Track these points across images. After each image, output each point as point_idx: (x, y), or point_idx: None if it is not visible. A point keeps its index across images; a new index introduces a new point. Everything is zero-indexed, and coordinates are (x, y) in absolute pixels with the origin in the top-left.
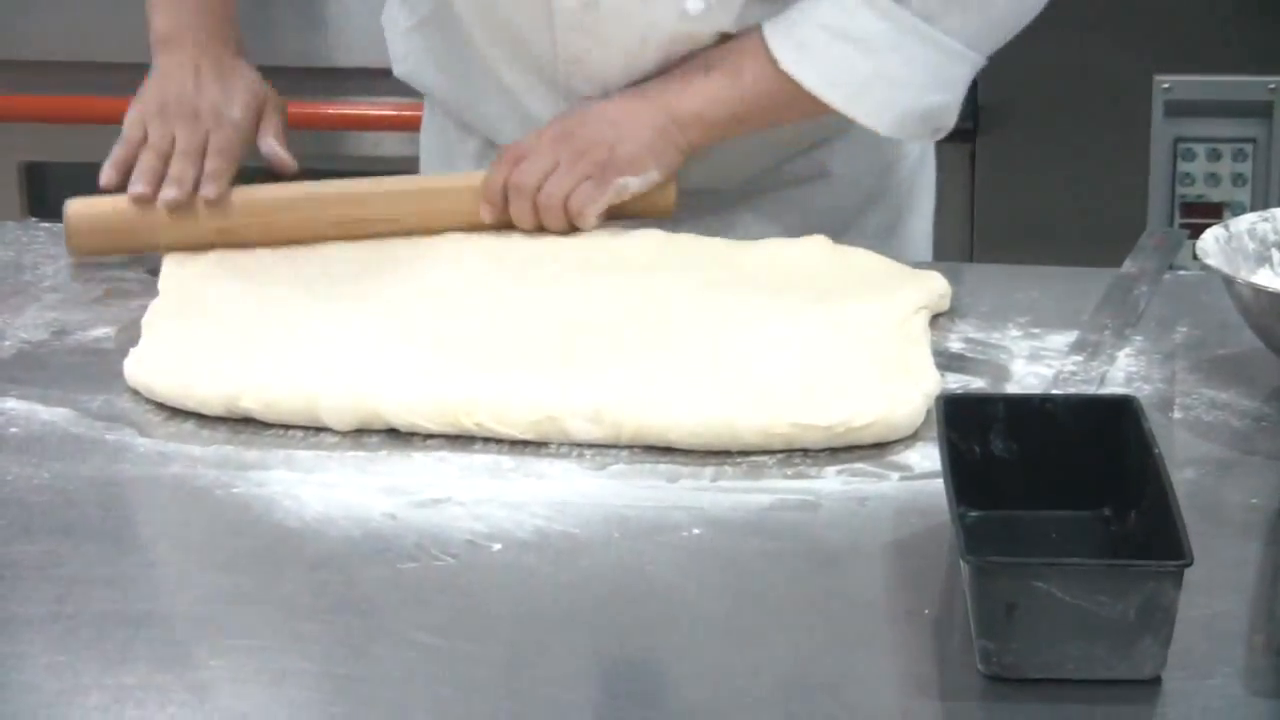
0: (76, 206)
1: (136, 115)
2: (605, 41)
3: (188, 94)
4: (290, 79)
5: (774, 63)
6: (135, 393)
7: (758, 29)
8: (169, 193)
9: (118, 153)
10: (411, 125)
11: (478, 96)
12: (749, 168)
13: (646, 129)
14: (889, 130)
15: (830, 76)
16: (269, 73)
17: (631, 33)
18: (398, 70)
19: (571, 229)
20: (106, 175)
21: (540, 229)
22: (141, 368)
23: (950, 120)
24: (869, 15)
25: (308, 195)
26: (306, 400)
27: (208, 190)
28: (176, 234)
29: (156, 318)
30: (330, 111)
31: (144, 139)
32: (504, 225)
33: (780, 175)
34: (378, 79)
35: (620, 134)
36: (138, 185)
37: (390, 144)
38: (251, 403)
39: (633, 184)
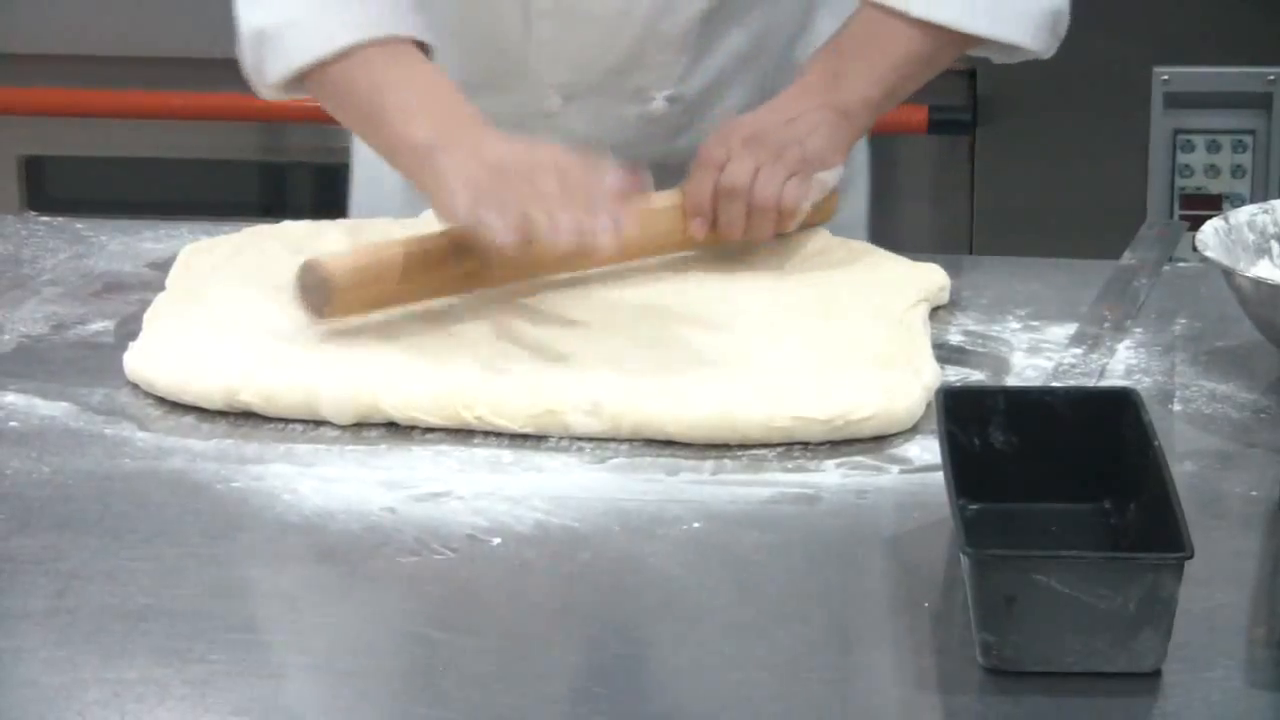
0: (333, 268)
1: (466, 199)
2: (575, 24)
3: (510, 149)
4: None
5: (905, 18)
6: (134, 387)
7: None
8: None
9: (493, 217)
10: None
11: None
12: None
13: (825, 125)
14: (1033, 42)
15: (966, 5)
16: None
17: (610, 9)
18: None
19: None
20: (510, 244)
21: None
22: (141, 361)
23: (1066, 23)
24: None
25: None
26: (306, 393)
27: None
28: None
29: (158, 312)
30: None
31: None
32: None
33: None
34: None
35: (801, 132)
36: (560, 236)
37: None
38: (251, 396)
39: (830, 179)
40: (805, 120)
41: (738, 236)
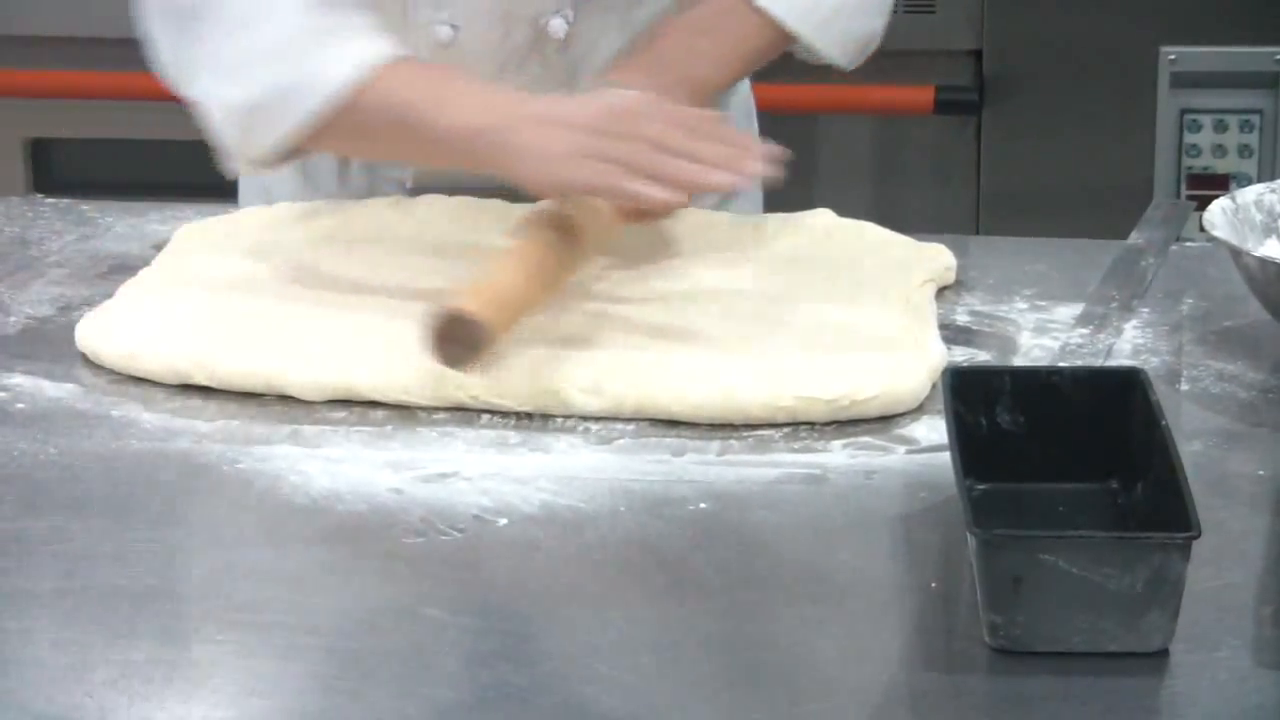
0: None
1: (577, 167)
2: None
3: (590, 106)
4: None
5: (748, 9)
6: None
7: None
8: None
9: (625, 184)
10: None
11: None
12: (612, 35)
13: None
14: (846, 61)
15: (806, 10)
16: None
17: None
18: None
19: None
20: (672, 202)
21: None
22: (90, 333)
23: (876, 45)
24: None
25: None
26: (268, 379)
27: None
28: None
29: (128, 289)
30: None
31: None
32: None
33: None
34: None
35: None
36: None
37: None
38: (206, 378)
39: None
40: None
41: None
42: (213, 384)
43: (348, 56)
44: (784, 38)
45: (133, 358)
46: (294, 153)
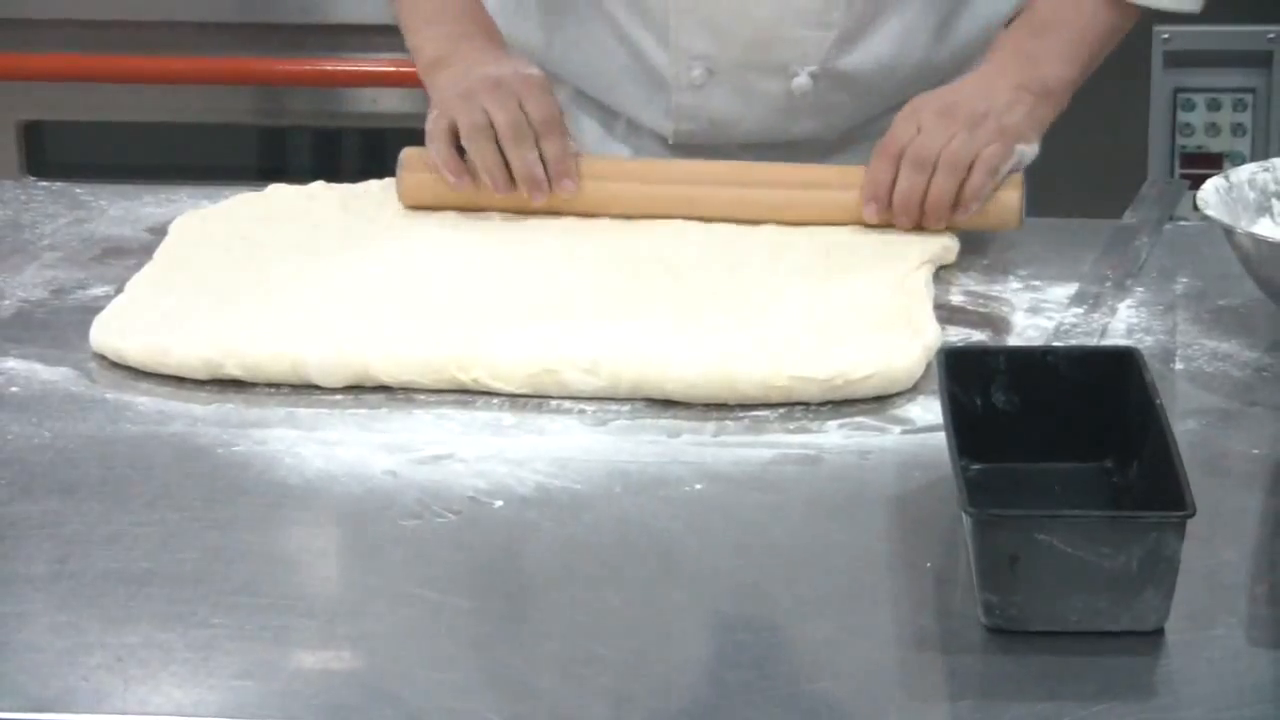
0: (412, 159)
1: (437, 116)
2: None
3: (480, 72)
4: (288, 35)
5: None
6: None
7: None
8: (537, 197)
9: (444, 151)
10: (410, 81)
11: (578, 49)
12: (846, 113)
13: (1022, 103)
14: (1196, 4)
15: None
16: (266, 30)
17: None
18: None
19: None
20: (460, 185)
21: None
22: (109, 331)
23: None
24: None
25: (691, 172)
26: (293, 362)
27: (567, 187)
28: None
29: (138, 283)
30: (329, 68)
31: (453, 130)
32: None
33: (868, 125)
34: (376, 34)
35: (999, 106)
36: (499, 188)
37: (388, 100)
38: (235, 367)
39: (1027, 154)
40: (1001, 97)
41: (914, 210)
42: (243, 375)
43: None
44: (1128, 13)
45: (165, 353)
46: None
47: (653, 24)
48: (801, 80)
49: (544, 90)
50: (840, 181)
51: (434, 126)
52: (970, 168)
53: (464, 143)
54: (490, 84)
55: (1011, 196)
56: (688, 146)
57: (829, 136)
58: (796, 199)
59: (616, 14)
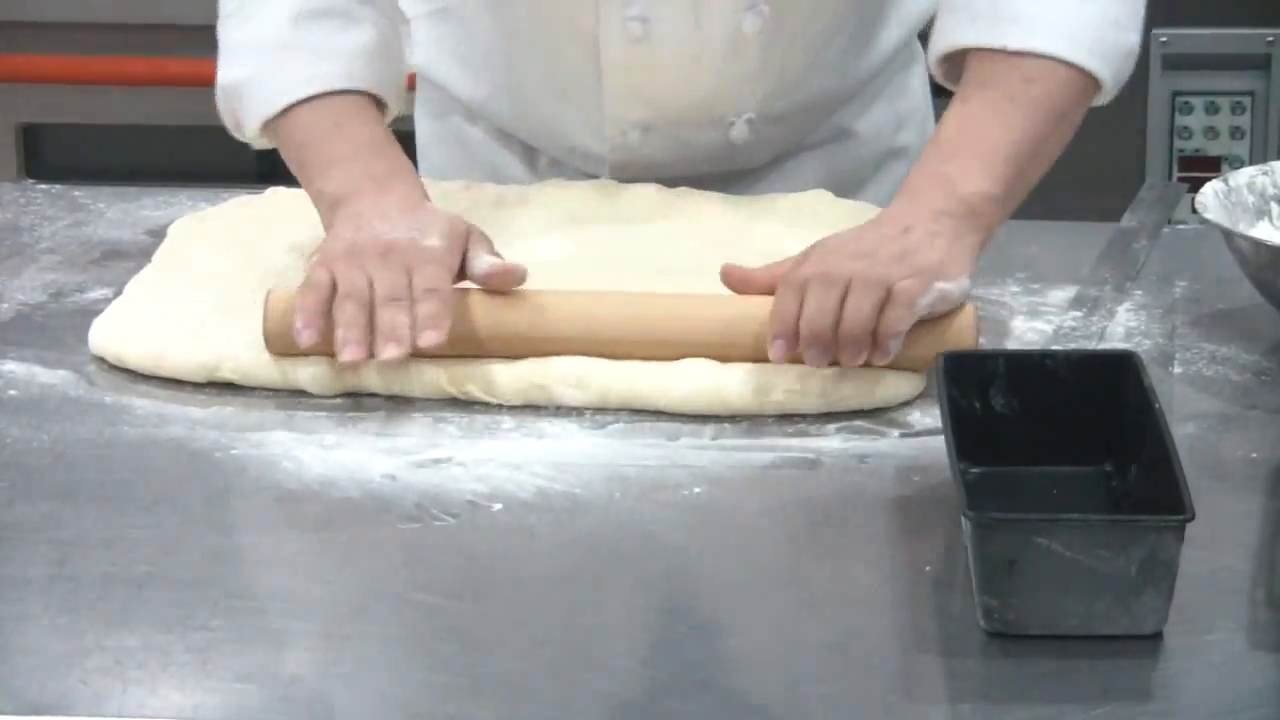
0: (276, 306)
1: (319, 262)
2: (654, 70)
3: (377, 231)
4: None
5: (1003, 103)
6: None
7: (944, 61)
8: (389, 351)
9: (308, 302)
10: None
11: (505, 105)
12: (783, 140)
13: (942, 235)
14: (1115, 78)
15: (1067, 37)
16: None
17: (681, 58)
18: (412, 59)
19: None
20: (305, 336)
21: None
22: (108, 334)
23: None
24: None
25: (582, 309)
26: (283, 370)
27: (429, 339)
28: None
29: (137, 285)
30: None
31: (332, 285)
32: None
33: (805, 140)
34: None
35: (913, 243)
36: (348, 348)
37: None
38: (230, 373)
39: (953, 291)
40: (917, 230)
41: (825, 337)
42: (238, 380)
43: (301, 78)
44: (1089, 86)
45: (163, 356)
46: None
47: (587, 93)
48: (739, 128)
49: (438, 264)
50: (743, 314)
51: (313, 275)
52: (886, 297)
53: (335, 303)
54: (382, 248)
55: (966, 312)
56: (622, 178)
57: (766, 159)
58: (700, 335)
59: (551, 77)
